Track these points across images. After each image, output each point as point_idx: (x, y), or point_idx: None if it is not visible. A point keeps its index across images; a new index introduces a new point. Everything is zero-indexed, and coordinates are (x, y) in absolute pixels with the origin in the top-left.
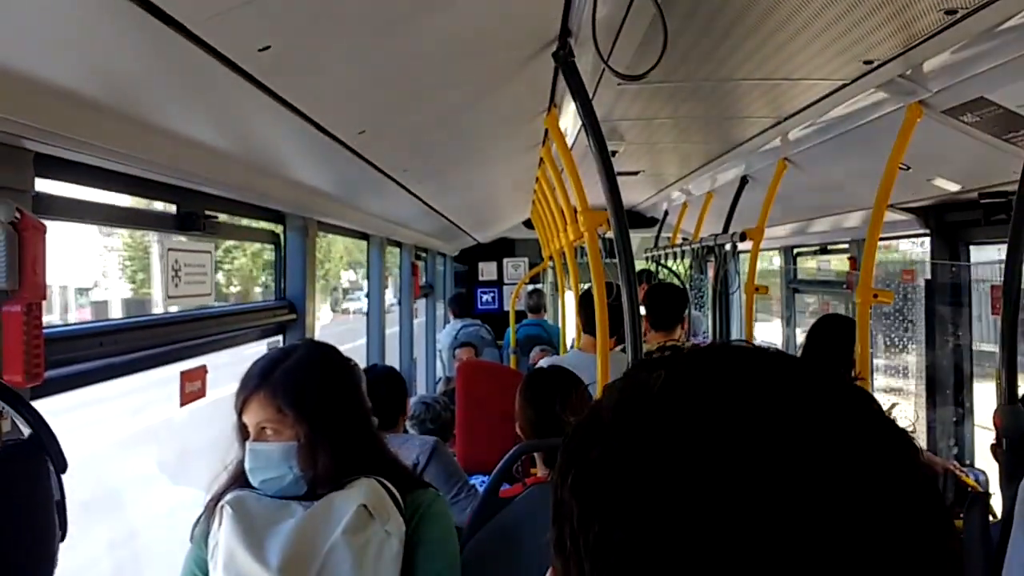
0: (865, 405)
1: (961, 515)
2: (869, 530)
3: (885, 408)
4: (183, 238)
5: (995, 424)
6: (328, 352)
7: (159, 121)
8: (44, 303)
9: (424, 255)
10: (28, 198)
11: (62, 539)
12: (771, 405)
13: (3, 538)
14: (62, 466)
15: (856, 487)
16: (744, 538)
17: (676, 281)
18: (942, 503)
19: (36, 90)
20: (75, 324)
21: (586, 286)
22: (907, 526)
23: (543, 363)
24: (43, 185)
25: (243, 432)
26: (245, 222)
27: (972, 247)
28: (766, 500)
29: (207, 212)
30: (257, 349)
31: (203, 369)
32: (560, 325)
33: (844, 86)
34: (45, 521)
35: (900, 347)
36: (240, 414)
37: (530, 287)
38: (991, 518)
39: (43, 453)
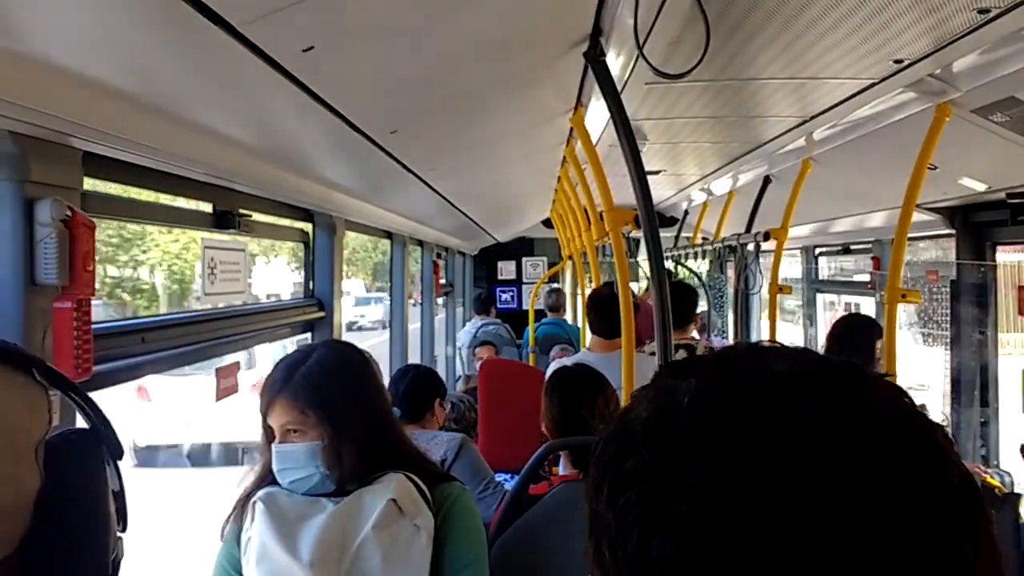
0: (900, 404)
1: None
2: (907, 551)
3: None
4: (220, 236)
5: None
6: (347, 351)
7: (201, 120)
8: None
9: (444, 253)
10: (77, 196)
11: (123, 530)
12: (801, 414)
13: (52, 532)
14: (119, 454)
15: (893, 507)
16: (780, 548)
17: (696, 280)
18: (982, 510)
19: (85, 89)
20: (119, 320)
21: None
22: (943, 541)
23: (566, 361)
24: (90, 184)
25: (269, 434)
26: (277, 220)
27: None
28: (800, 513)
29: (241, 211)
30: None
31: (236, 366)
32: (580, 324)
33: (872, 85)
34: (99, 513)
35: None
36: (265, 417)
37: (549, 286)
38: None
39: (98, 442)
